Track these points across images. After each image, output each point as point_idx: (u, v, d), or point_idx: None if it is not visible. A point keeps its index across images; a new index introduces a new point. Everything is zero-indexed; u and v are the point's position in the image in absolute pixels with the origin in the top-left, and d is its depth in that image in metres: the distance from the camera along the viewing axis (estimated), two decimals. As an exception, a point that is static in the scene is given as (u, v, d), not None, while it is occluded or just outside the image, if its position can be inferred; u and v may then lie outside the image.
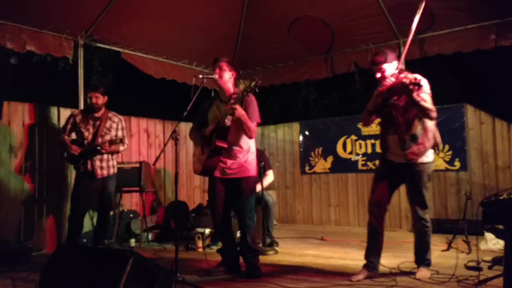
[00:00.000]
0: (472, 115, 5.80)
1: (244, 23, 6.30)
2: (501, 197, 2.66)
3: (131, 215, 5.60)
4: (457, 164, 5.82)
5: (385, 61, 3.28)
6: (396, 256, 4.05)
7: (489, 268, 3.41)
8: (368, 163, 6.59)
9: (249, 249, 3.63)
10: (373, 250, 3.40)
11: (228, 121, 3.49)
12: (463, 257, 3.93)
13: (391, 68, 3.30)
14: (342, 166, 6.88)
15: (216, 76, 3.62)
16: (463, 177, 5.78)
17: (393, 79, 3.23)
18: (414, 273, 3.34)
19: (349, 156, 6.82)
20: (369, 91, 3.46)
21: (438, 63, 8.53)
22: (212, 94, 4.40)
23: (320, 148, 7.13)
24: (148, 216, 5.77)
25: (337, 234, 5.91)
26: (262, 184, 4.74)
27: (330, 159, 7.01)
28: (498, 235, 4.26)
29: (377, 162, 3.63)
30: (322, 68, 6.36)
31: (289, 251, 4.69)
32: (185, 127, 6.58)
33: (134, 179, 5.24)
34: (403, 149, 3.23)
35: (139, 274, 2.52)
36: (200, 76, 3.54)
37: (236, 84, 3.87)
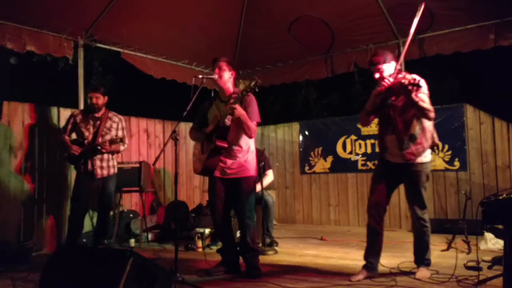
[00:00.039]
0: (471, 115, 5.80)
1: (244, 23, 6.30)
2: (501, 197, 2.66)
3: (131, 215, 5.60)
4: (457, 164, 5.83)
5: (383, 62, 3.28)
6: (396, 256, 4.06)
7: (489, 268, 3.41)
8: (368, 163, 6.59)
9: (248, 249, 3.63)
10: (373, 251, 3.40)
11: (228, 121, 3.49)
12: (462, 257, 3.93)
13: (389, 69, 3.30)
14: (342, 166, 6.88)
15: (215, 76, 3.62)
16: (463, 177, 5.78)
17: (391, 79, 3.23)
18: (414, 273, 3.34)
19: (349, 156, 6.82)
20: (369, 91, 3.46)
21: (438, 63, 8.55)
22: (212, 94, 4.41)
23: (320, 148, 7.13)
24: (148, 216, 5.77)
25: (336, 234, 5.91)
26: (262, 184, 4.74)
27: (330, 159, 7.02)
28: (497, 235, 4.26)
29: (377, 162, 3.63)
30: (322, 68, 6.37)
31: (288, 251, 4.69)
32: (185, 127, 6.58)
33: (134, 179, 5.24)
34: (401, 149, 3.24)
35: (138, 274, 2.53)
36: (200, 76, 3.54)
37: (236, 84, 3.87)
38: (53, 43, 5.07)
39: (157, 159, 3.55)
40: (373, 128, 6.27)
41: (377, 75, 3.31)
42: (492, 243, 4.28)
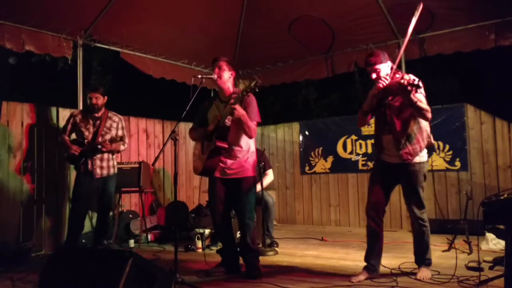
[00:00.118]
0: (472, 115, 5.78)
1: (244, 23, 6.29)
2: (502, 197, 2.65)
3: (131, 216, 5.58)
4: (458, 164, 5.81)
5: (379, 62, 3.28)
6: (396, 256, 4.05)
7: (490, 268, 3.39)
8: (369, 163, 6.57)
9: (249, 249, 3.61)
10: (373, 252, 3.39)
11: (228, 121, 3.48)
12: (464, 257, 3.92)
13: (385, 69, 3.30)
14: (342, 166, 6.87)
15: (215, 76, 3.61)
16: (464, 177, 5.77)
17: (388, 79, 3.23)
18: (415, 274, 3.33)
19: (349, 156, 6.80)
20: (369, 91, 3.46)
21: (438, 63, 8.55)
22: (212, 94, 4.40)
23: (320, 148, 7.11)
24: (148, 217, 5.75)
25: (337, 234, 5.89)
26: (262, 184, 4.73)
27: (330, 159, 7.00)
28: (499, 235, 4.25)
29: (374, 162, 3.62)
30: (322, 68, 6.36)
31: (289, 251, 4.68)
32: (184, 127, 6.57)
33: (133, 179, 5.23)
34: (398, 149, 3.23)
35: (138, 275, 2.51)
36: (199, 76, 3.53)
37: (235, 84, 3.86)
38: (52, 43, 5.05)
39: (156, 159, 3.54)
40: (373, 128, 6.26)
41: (373, 75, 3.30)
42: (494, 243, 4.27)
